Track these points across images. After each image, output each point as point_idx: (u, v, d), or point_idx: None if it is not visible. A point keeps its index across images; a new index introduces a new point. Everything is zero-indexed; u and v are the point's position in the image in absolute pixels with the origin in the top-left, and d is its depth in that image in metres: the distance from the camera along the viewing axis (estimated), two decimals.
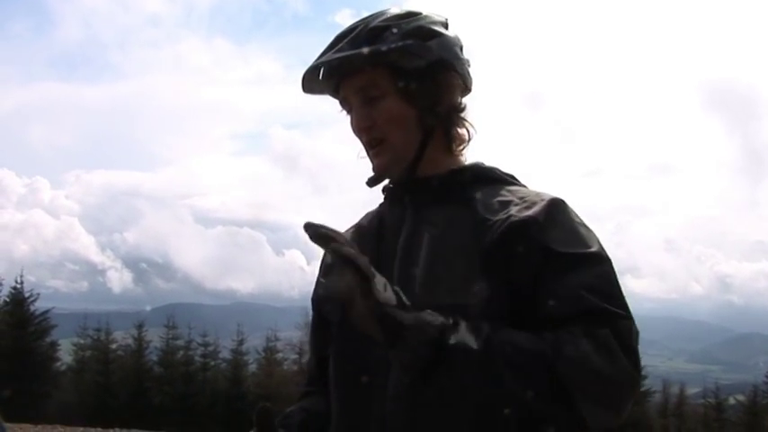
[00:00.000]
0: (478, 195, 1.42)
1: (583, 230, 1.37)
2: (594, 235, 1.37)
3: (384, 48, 1.39)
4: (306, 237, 1.36)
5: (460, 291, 1.31)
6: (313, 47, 1.50)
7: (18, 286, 24.91)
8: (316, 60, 1.45)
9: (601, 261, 1.33)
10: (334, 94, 1.51)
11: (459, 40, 1.49)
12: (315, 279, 1.64)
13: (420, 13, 1.46)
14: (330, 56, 1.42)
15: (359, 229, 1.58)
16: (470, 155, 1.52)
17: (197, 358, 25.91)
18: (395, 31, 1.41)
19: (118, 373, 24.87)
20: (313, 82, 1.49)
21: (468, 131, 1.50)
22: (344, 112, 1.50)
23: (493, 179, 1.48)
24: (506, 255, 1.31)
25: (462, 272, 1.33)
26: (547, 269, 1.30)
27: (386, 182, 1.53)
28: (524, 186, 1.48)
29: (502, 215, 1.36)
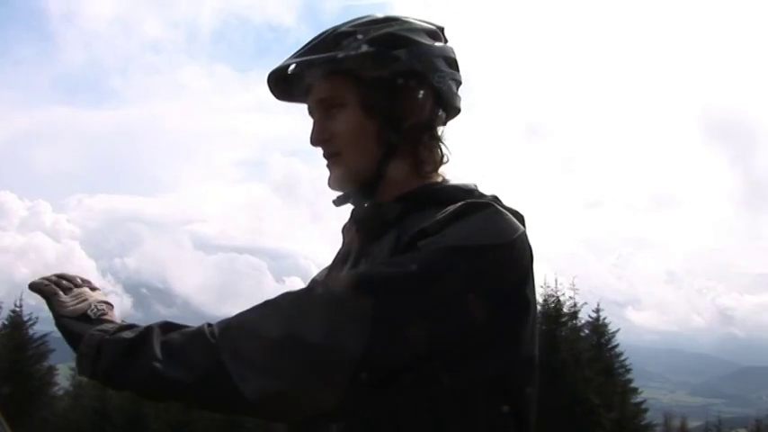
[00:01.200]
0: (414, 219, 1.25)
1: (472, 233, 1.16)
2: (487, 239, 1.15)
3: (341, 55, 1.28)
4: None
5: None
6: None
7: (17, 309, 24.90)
8: (278, 66, 1.36)
9: (447, 255, 1.13)
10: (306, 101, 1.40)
11: (446, 50, 1.35)
12: None
13: (398, 19, 1.33)
14: (288, 60, 1.33)
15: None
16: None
17: None
18: (359, 36, 1.30)
19: (115, 398, 24.68)
20: (282, 88, 1.40)
21: (440, 152, 1.36)
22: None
23: (446, 201, 1.25)
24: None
25: None
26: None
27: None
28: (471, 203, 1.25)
29: (411, 232, 1.21)
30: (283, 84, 1.39)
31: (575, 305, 21.69)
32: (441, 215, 1.19)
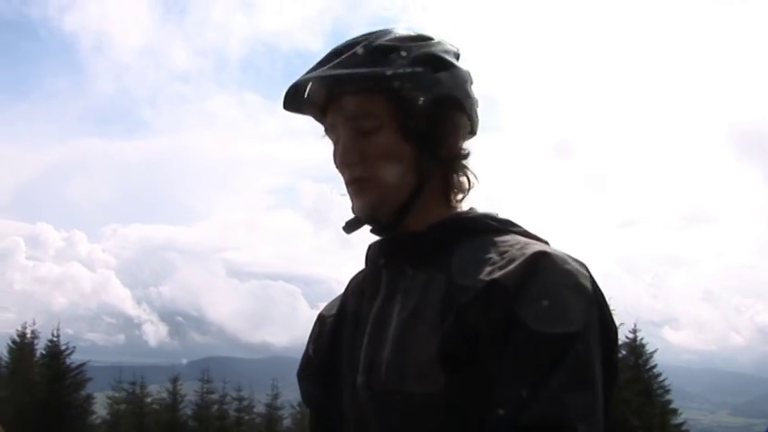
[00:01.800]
0: (457, 254, 1.20)
1: (569, 296, 1.10)
2: (585, 300, 1.11)
3: (389, 71, 1.19)
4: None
5: (426, 377, 1.12)
6: None
7: (55, 339, 25.17)
8: (305, 74, 1.24)
9: (578, 345, 1.07)
10: (319, 117, 1.29)
11: (470, 75, 1.29)
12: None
13: (432, 38, 1.25)
14: (324, 71, 1.21)
15: (345, 296, 1.39)
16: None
17: (232, 412, 25.72)
18: (403, 54, 1.20)
19: (153, 427, 24.80)
20: (297, 98, 1.27)
21: (468, 180, 1.28)
22: (327, 139, 1.30)
23: (480, 230, 1.24)
24: (469, 333, 1.10)
25: (429, 354, 1.13)
26: (509, 350, 1.07)
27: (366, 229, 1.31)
28: (521, 234, 1.24)
29: (471, 281, 1.14)
30: (296, 94, 1.27)
31: None
32: (510, 265, 1.13)
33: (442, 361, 1.11)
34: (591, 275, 1.15)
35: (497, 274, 1.12)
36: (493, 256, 1.17)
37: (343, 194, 1.28)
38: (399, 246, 1.27)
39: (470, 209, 1.29)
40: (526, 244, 1.18)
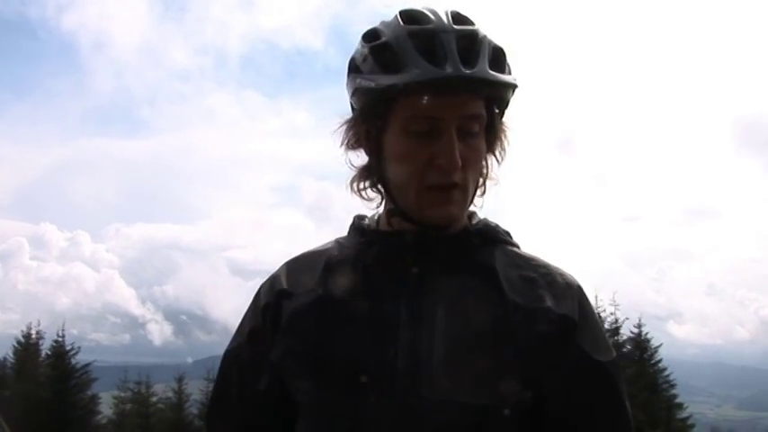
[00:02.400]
0: (498, 265, 1.22)
1: (599, 322, 1.28)
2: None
3: (512, 80, 1.16)
4: None
5: (488, 389, 1.12)
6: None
7: (60, 339, 25.22)
8: (452, 72, 1.10)
9: (619, 366, 1.26)
10: (420, 105, 1.14)
11: None
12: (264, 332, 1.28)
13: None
14: (478, 72, 1.11)
15: (326, 285, 1.25)
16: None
17: None
18: (507, 59, 1.18)
19: (158, 426, 24.81)
20: (436, 85, 1.12)
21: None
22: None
23: (499, 240, 1.28)
24: (543, 354, 1.15)
25: (492, 366, 1.13)
26: (578, 380, 1.18)
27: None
28: (520, 249, 1.30)
29: (534, 303, 1.18)
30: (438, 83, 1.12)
31: (616, 321, 21.47)
32: (566, 298, 1.21)
33: (504, 375, 1.13)
34: None
35: (564, 309, 1.19)
36: (536, 277, 1.23)
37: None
38: (433, 246, 1.22)
39: (473, 213, 1.30)
40: (557, 269, 1.26)
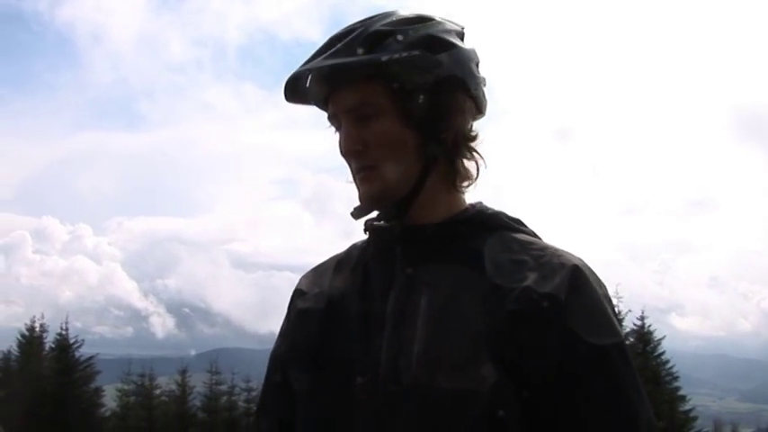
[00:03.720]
0: (486, 251, 1.20)
1: (607, 305, 1.17)
2: (613, 305, 1.19)
3: (384, 57, 1.16)
4: None
5: (466, 374, 1.10)
6: None
7: (63, 332, 25.28)
8: (302, 65, 1.22)
9: (625, 352, 1.15)
10: (323, 106, 1.27)
11: (475, 54, 1.26)
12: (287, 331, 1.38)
13: (432, 19, 1.23)
14: (320, 62, 1.19)
15: (330, 287, 1.32)
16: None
17: (240, 404, 25.78)
18: (399, 38, 1.18)
19: (162, 419, 24.90)
20: (297, 89, 1.26)
21: (477, 165, 1.26)
22: (333, 129, 1.28)
23: (497, 227, 1.25)
24: (520, 337, 1.11)
25: (468, 350, 1.12)
26: (570, 364, 1.10)
27: (371, 215, 1.29)
28: (534, 235, 1.27)
29: (516, 283, 1.15)
30: (296, 84, 1.26)
31: (619, 313, 21.39)
32: (555, 277, 1.15)
33: (482, 360, 1.10)
34: None
35: (548, 288, 1.14)
36: (527, 259, 1.19)
37: (350, 182, 1.27)
38: (418, 237, 1.24)
39: (478, 202, 1.30)
40: (557, 251, 1.21)
